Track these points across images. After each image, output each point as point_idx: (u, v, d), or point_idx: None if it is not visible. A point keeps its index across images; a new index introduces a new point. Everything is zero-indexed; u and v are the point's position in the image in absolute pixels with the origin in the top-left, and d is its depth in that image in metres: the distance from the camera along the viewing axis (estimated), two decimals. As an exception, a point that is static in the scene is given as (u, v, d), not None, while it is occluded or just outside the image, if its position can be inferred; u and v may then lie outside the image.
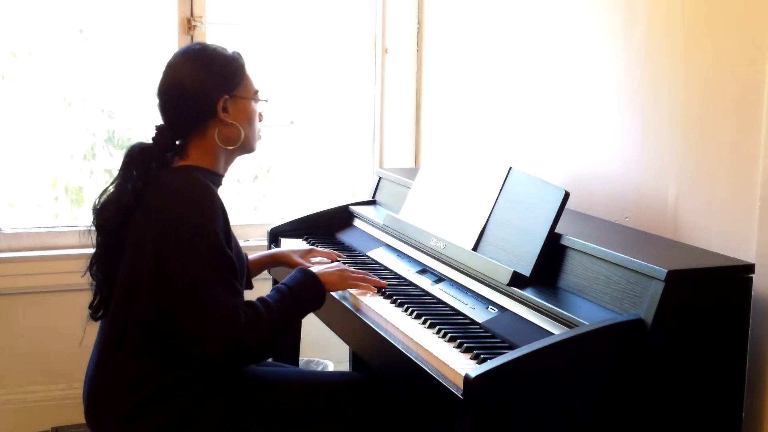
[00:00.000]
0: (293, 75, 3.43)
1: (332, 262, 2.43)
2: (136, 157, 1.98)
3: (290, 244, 2.66)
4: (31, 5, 3.08)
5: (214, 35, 3.17)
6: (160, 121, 2.03)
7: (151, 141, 2.01)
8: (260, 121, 2.11)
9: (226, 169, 2.09)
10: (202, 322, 1.83)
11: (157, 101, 2.02)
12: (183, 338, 1.87)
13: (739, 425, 1.80)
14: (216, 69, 1.99)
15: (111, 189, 1.99)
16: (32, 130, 3.17)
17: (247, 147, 2.07)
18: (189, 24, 3.13)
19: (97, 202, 1.99)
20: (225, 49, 2.05)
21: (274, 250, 2.51)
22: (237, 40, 3.27)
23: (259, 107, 2.09)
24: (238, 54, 2.06)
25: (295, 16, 3.38)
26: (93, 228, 2.00)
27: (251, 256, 2.36)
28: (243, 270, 2.05)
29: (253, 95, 2.06)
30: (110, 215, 1.95)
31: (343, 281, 2.13)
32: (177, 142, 2.02)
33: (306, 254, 2.41)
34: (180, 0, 3.13)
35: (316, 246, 2.59)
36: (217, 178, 2.03)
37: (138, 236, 1.92)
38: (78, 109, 3.23)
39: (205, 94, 1.97)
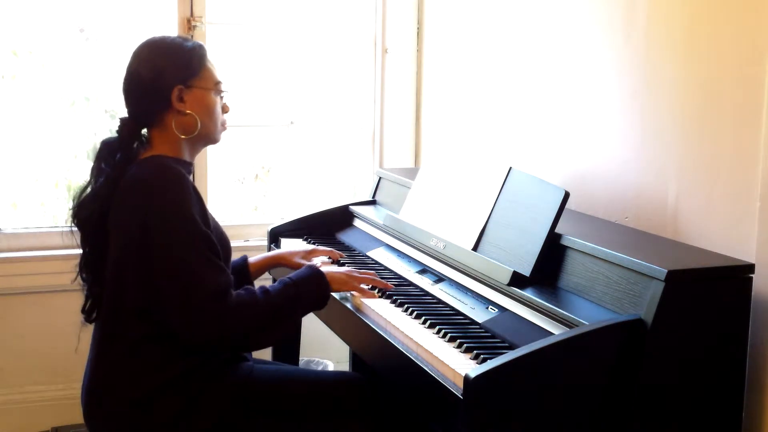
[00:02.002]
0: (293, 75, 3.43)
1: (334, 261, 2.43)
2: (104, 152, 2.01)
3: (290, 245, 2.66)
4: (31, 4, 3.08)
5: (214, 35, 3.17)
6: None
7: (116, 134, 2.03)
8: (225, 112, 2.11)
9: (192, 158, 2.08)
10: (186, 302, 1.84)
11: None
12: (170, 322, 1.88)
13: (739, 425, 1.80)
14: (171, 59, 2.00)
15: (87, 189, 2.01)
16: (34, 129, 3.17)
17: (207, 137, 2.07)
18: (189, 24, 3.13)
19: (75, 203, 2.02)
20: (185, 40, 2.06)
21: (275, 251, 2.49)
22: (237, 40, 3.28)
23: (221, 99, 2.09)
24: (199, 45, 2.06)
25: (295, 16, 3.38)
26: (75, 229, 2.02)
27: (251, 258, 2.36)
28: (227, 251, 2.06)
29: (213, 86, 2.05)
30: (90, 210, 1.98)
31: (350, 281, 2.12)
32: (142, 134, 2.03)
33: (307, 255, 2.40)
34: (180, 0, 3.13)
35: (317, 246, 2.59)
36: (185, 165, 2.02)
37: (119, 228, 1.94)
38: (80, 108, 3.23)
39: (159, 84, 1.98)
